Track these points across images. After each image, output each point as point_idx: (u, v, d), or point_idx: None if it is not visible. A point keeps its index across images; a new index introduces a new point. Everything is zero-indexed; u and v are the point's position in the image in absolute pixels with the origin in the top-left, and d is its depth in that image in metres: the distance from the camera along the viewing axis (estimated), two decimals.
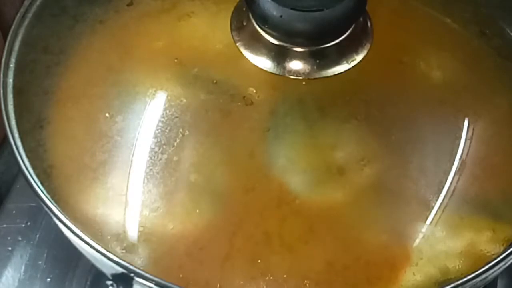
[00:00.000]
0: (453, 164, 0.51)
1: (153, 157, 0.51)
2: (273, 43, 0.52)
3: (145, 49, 0.56)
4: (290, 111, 0.52)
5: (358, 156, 0.51)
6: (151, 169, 0.51)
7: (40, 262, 0.66)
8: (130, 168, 0.51)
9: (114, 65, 0.55)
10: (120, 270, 0.46)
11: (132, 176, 0.51)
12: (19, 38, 0.55)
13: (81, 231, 0.47)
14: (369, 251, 0.49)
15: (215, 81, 0.53)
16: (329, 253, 0.49)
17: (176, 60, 0.54)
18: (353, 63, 0.52)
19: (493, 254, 0.49)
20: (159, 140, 0.51)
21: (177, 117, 0.52)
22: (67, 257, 0.66)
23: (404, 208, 0.51)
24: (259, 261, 0.48)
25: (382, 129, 0.52)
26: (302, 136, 0.52)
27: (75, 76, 0.55)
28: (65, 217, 0.48)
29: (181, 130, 0.51)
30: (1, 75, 0.53)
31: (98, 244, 0.47)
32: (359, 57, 0.53)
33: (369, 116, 0.52)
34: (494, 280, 0.63)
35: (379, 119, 0.53)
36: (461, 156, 0.52)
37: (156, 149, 0.51)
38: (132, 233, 0.49)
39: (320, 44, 0.52)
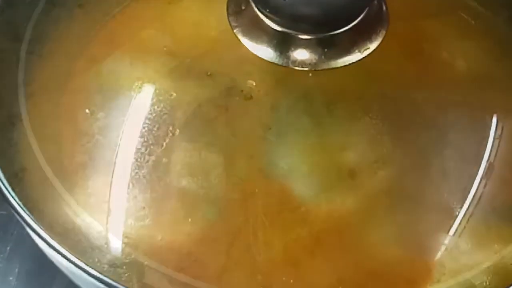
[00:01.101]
0: (479, 167, 0.51)
1: (139, 159, 0.51)
2: (275, 30, 0.52)
3: (130, 36, 0.56)
4: (295, 106, 0.52)
5: (371, 158, 0.51)
6: (137, 173, 0.51)
7: (11, 278, 0.66)
8: (113, 171, 0.51)
9: (95, 55, 0.55)
10: (102, 287, 0.47)
11: (115, 180, 0.51)
12: None
13: (57, 242, 0.48)
14: (384, 266, 0.49)
15: (209, 73, 0.53)
16: (338, 268, 0.49)
17: (165, 49, 0.54)
18: (366, 52, 0.52)
19: None
20: (146, 139, 0.51)
21: (166, 113, 0.52)
22: (42, 272, 0.65)
23: (424, 217, 0.51)
24: (259, 276, 0.48)
25: (398, 127, 0.52)
26: (308, 135, 0.52)
27: (51, 67, 0.55)
28: (40, 227, 0.48)
29: (171, 128, 0.52)
30: None
31: (77, 258, 0.47)
32: (373, 46, 0.53)
33: (384, 113, 0.52)
34: None
35: (395, 116, 0.53)
36: (488, 158, 0.52)
37: (143, 149, 0.51)
38: (116, 245, 0.49)
39: (328, 31, 0.51)
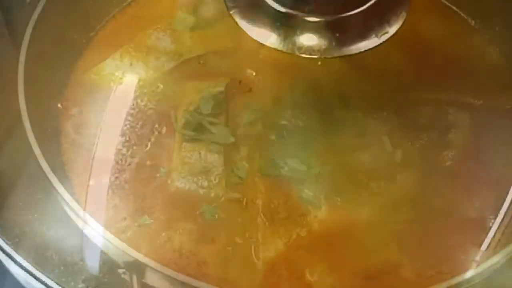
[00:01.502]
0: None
1: (120, 161, 0.50)
2: (278, 11, 0.50)
3: (111, 20, 0.57)
4: (301, 100, 0.51)
5: (389, 160, 0.50)
6: (117, 177, 0.50)
7: None
8: (90, 175, 0.50)
9: (70, 39, 0.55)
10: None
11: (92, 186, 0.50)
12: None
13: (25, 260, 0.46)
14: (405, 287, 0.47)
15: (201, 61, 0.54)
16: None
17: (151, 34, 0.54)
18: (384, 37, 0.50)
19: None
20: (127, 139, 0.51)
21: (151, 108, 0.51)
22: None
23: (451, 229, 0.49)
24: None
25: (420, 124, 0.52)
26: (316, 133, 0.51)
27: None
28: (4, 241, 0.47)
29: (157, 125, 0.51)
30: None
31: (49, 278, 0.46)
32: (392, 30, 0.50)
33: (404, 107, 0.52)
34: None
35: (417, 111, 0.52)
36: None
37: (124, 150, 0.50)
38: (93, 261, 0.48)
39: (340, 12, 0.49)
